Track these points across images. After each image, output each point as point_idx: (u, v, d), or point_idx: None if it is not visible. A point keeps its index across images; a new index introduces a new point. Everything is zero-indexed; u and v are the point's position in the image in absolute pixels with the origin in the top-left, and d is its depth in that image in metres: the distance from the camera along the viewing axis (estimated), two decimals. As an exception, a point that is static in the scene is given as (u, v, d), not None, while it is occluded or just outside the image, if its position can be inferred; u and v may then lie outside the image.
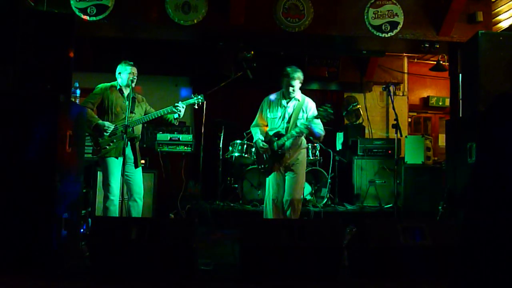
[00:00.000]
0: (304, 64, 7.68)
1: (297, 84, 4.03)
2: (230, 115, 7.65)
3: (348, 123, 7.49)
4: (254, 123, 4.31)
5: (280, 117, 4.09)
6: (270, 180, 4.13)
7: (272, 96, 4.23)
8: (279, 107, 4.12)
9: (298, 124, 3.98)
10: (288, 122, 4.05)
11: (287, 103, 4.10)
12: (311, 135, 4.05)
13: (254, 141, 4.29)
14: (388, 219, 5.37)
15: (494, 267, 1.26)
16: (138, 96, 4.21)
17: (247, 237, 2.96)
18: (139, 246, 2.88)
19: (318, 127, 4.00)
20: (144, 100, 4.25)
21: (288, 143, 4.00)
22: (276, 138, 4.03)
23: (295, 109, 4.06)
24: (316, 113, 3.96)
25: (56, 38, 3.31)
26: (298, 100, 4.09)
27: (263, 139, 4.16)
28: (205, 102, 4.36)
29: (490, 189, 1.35)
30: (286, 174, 4.07)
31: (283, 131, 4.04)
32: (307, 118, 4.02)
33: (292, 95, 4.05)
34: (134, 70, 4.05)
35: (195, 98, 4.23)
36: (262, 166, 4.19)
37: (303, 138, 4.12)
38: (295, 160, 4.07)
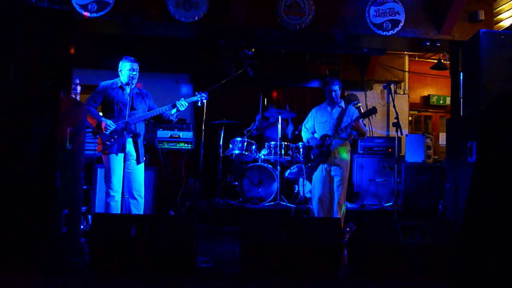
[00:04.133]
0: (305, 62, 7.68)
1: (338, 90, 4.58)
2: (231, 112, 7.64)
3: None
4: (303, 130, 4.81)
5: (326, 122, 4.57)
6: (316, 178, 4.59)
7: (319, 106, 4.77)
8: (325, 114, 4.63)
9: (343, 127, 4.45)
10: (334, 125, 4.51)
11: (332, 109, 4.60)
12: (358, 132, 4.46)
13: (305, 139, 4.76)
14: (388, 217, 5.38)
15: (494, 266, 1.26)
16: (143, 91, 4.20)
17: (247, 234, 2.96)
18: (138, 243, 2.89)
19: (362, 124, 4.54)
20: (149, 95, 4.24)
21: (335, 143, 4.45)
22: (324, 139, 4.51)
23: (340, 114, 4.55)
24: (358, 115, 4.52)
25: (56, 34, 3.30)
26: (342, 107, 4.59)
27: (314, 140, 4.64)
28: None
29: (490, 188, 1.35)
30: (331, 171, 4.49)
31: (329, 134, 4.50)
32: (351, 121, 4.49)
33: (335, 100, 4.58)
34: (135, 66, 4.03)
35: (199, 96, 4.21)
36: (309, 164, 4.63)
37: (347, 140, 4.57)
38: (340, 158, 4.48)
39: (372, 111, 4.37)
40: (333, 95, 4.54)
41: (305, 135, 4.77)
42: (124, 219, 3.17)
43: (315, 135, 4.66)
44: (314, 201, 4.61)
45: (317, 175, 4.56)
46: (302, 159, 5.11)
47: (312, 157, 4.60)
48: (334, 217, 4.19)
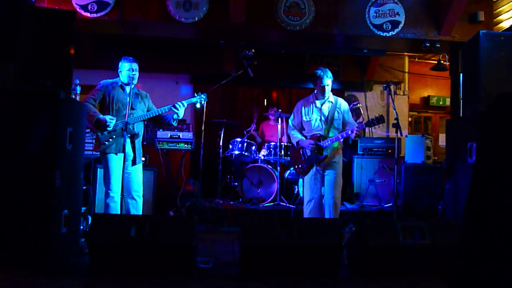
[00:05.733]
0: (305, 62, 7.69)
1: (329, 84, 4.16)
2: (231, 113, 7.66)
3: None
4: (290, 127, 4.40)
5: (316, 119, 4.20)
6: (307, 181, 4.24)
7: (305, 100, 4.34)
8: (314, 110, 4.23)
9: (336, 125, 4.16)
10: (326, 123, 4.17)
11: (322, 105, 4.21)
12: (358, 136, 4.09)
13: (295, 141, 4.33)
14: (387, 218, 5.38)
15: (494, 266, 1.26)
16: (142, 92, 4.19)
17: (247, 235, 2.96)
18: (138, 243, 2.89)
19: (362, 125, 4.19)
20: (147, 96, 4.23)
21: (329, 144, 4.11)
22: (318, 140, 4.14)
23: (330, 110, 4.19)
24: (350, 114, 4.26)
25: (56, 35, 3.30)
26: (332, 102, 4.22)
27: (305, 140, 4.26)
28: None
29: (490, 189, 1.35)
30: (325, 173, 4.17)
31: (321, 133, 4.17)
32: (343, 117, 4.20)
33: (326, 95, 4.18)
34: (134, 66, 4.02)
35: (198, 97, 4.18)
36: (300, 166, 4.28)
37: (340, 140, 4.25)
38: (333, 159, 4.18)
39: (380, 120, 4.09)
40: (325, 89, 4.15)
41: (294, 134, 4.35)
42: (124, 219, 3.17)
43: (304, 133, 4.31)
44: (308, 204, 4.23)
45: (309, 177, 4.23)
46: (290, 159, 4.64)
47: (303, 158, 4.25)
48: (334, 218, 4.17)
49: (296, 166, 4.35)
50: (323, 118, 4.18)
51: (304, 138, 4.27)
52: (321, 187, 4.18)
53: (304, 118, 4.27)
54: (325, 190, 4.18)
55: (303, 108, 4.29)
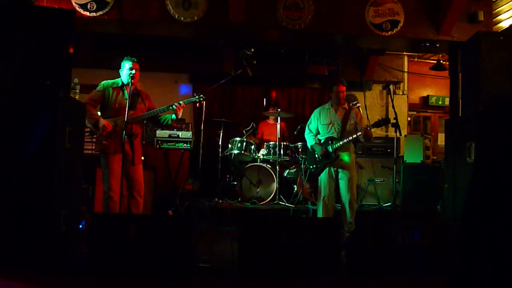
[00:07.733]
0: (304, 62, 7.69)
1: (344, 91, 4.64)
2: (230, 112, 7.66)
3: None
4: (307, 131, 4.83)
5: (331, 124, 4.61)
6: (322, 180, 4.64)
7: (322, 107, 4.79)
8: (329, 115, 4.65)
9: (348, 129, 4.54)
10: (339, 128, 4.57)
11: (336, 111, 4.65)
12: (367, 138, 4.50)
13: (309, 145, 4.79)
14: (386, 218, 5.38)
15: (492, 266, 1.26)
16: (143, 93, 4.19)
17: (246, 234, 2.96)
18: (137, 242, 2.88)
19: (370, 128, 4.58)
20: (148, 97, 4.23)
21: (341, 146, 4.47)
22: (331, 142, 4.53)
23: (344, 116, 4.59)
24: (363, 120, 4.64)
25: (56, 34, 3.29)
26: (346, 109, 4.65)
27: (319, 142, 4.68)
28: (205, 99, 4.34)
29: (489, 188, 1.36)
30: (339, 175, 4.56)
31: (335, 136, 4.55)
32: (355, 123, 4.57)
33: (341, 102, 4.63)
34: (135, 65, 4.02)
35: (197, 97, 4.25)
36: (314, 166, 4.67)
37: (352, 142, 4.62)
38: (347, 162, 4.54)
39: (386, 121, 4.47)
40: (340, 96, 4.59)
41: (309, 139, 4.78)
42: (123, 218, 3.16)
43: (319, 136, 4.69)
44: (319, 202, 4.65)
45: (323, 176, 4.60)
46: (307, 159, 5.12)
47: (318, 159, 4.62)
48: (333, 218, 4.20)
49: (311, 166, 4.74)
50: (336, 123, 4.58)
51: (317, 142, 4.68)
52: (334, 186, 4.57)
53: (320, 123, 4.68)
54: (343, 191, 4.54)
55: (319, 114, 4.72)
